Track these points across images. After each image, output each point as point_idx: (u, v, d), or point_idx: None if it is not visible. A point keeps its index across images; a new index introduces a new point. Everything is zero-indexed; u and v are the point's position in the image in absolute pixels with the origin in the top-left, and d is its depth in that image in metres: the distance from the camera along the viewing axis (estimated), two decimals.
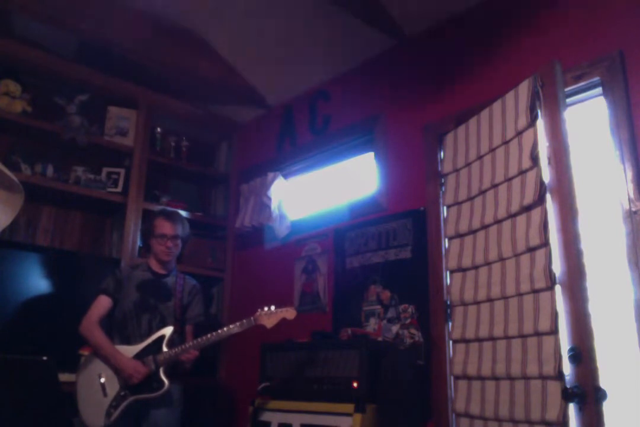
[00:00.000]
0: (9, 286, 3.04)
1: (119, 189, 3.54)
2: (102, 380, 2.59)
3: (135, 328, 2.69)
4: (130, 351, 2.62)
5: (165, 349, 2.61)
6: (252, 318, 2.58)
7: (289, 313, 2.55)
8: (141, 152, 3.60)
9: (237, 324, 2.59)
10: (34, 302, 3.12)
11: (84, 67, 3.45)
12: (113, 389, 2.57)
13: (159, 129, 3.82)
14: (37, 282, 3.17)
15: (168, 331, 2.66)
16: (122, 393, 2.55)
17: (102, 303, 2.72)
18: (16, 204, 1.98)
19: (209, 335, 2.60)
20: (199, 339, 2.61)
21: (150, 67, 3.52)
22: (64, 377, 2.50)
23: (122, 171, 3.60)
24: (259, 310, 2.58)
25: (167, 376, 2.57)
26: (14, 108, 3.25)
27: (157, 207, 3.45)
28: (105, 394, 2.56)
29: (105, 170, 3.59)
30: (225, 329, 2.60)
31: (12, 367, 1.81)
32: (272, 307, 2.58)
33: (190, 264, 3.61)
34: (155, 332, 2.67)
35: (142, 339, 2.66)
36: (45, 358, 1.87)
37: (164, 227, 2.80)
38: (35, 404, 1.76)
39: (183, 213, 3.53)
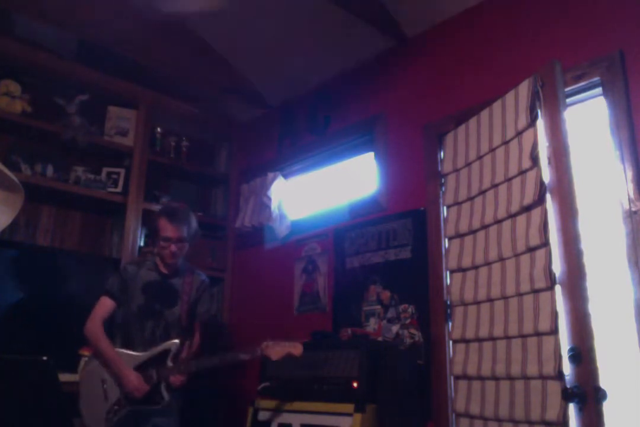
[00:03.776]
0: (9, 285, 3.05)
1: (119, 189, 3.54)
2: (105, 383, 2.58)
3: (138, 333, 2.66)
4: (133, 358, 2.59)
5: (169, 363, 2.58)
6: (259, 349, 2.46)
7: (296, 349, 2.42)
8: (141, 152, 3.59)
9: (244, 353, 2.51)
10: (34, 302, 3.12)
11: (84, 67, 3.45)
12: (114, 394, 2.56)
13: (159, 129, 3.81)
14: (37, 282, 3.17)
15: (174, 345, 2.61)
16: (123, 399, 2.54)
17: (106, 305, 2.69)
18: (16, 204, 1.98)
19: (213, 358, 2.55)
20: (203, 359, 2.57)
21: (150, 67, 3.52)
22: (64, 377, 2.49)
23: (122, 171, 3.60)
24: (266, 342, 2.47)
25: (168, 391, 2.56)
26: (14, 108, 3.25)
27: (158, 207, 3.44)
28: (106, 398, 2.56)
29: (105, 170, 3.59)
30: (231, 355, 2.55)
31: (12, 367, 1.81)
32: (279, 341, 2.46)
33: (190, 264, 3.61)
34: (160, 344, 2.62)
35: (144, 348, 2.62)
36: (45, 358, 1.86)
37: (167, 230, 2.66)
38: (35, 404, 1.76)
39: None
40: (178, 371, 2.56)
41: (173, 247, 2.67)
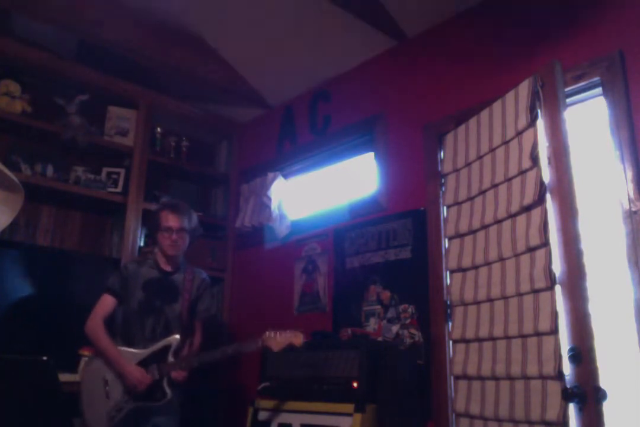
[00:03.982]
0: (9, 285, 3.05)
1: (119, 189, 3.54)
2: (107, 383, 2.58)
3: (138, 330, 2.67)
4: (134, 355, 2.60)
5: (171, 359, 2.59)
6: (259, 340, 2.47)
7: (297, 339, 2.42)
8: (141, 152, 3.59)
9: (246, 345, 2.51)
10: (34, 302, 3.12)
11: (84, 67, 3.45)
12: (116, 393, 2.57)
13: (159, 129, 3.82)
14: (37, 282, 3.17)
15: (175, 340, 2.62)
16: (125, 398, 2.55)
17: (107, 302, 2.70)
18: (16, 205, 1.98)
19: (214, 352, 2.56)
20: (205, 353, 2.59)
21: (150, 67, 3.52)
22: (64, 377, 2.50)
23: (122, 171, 3.60)
24: (267, 332, 2.46)
25: (170, 386, 2.56)
26: (14, 108, 3.25)
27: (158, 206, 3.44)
28: (108, 398, 2.56)
29: (105, 170, 3.59)
30: (232, 347, 2.55)
31: (12, 367, 1.81)
32: (280, 331, 2.46)
33: (190, 264, 3.61)
34: (161, 340, 2.63)
35: (145, 344, 2.63)
36: (45, 358, 1.87)
37: (169, 220, 2.73)
38: (35, 404, 1.76)
39: None
40: (180, 367, 2.57)
41: (174, 236, 2.72)
